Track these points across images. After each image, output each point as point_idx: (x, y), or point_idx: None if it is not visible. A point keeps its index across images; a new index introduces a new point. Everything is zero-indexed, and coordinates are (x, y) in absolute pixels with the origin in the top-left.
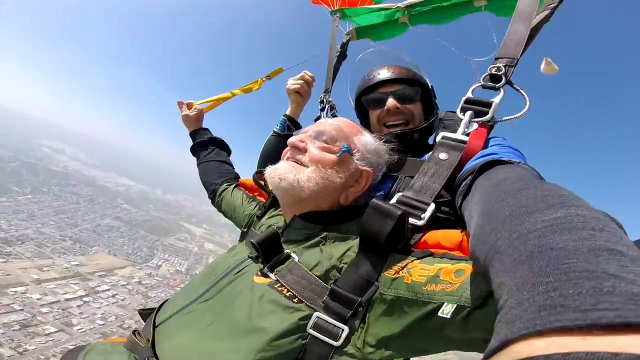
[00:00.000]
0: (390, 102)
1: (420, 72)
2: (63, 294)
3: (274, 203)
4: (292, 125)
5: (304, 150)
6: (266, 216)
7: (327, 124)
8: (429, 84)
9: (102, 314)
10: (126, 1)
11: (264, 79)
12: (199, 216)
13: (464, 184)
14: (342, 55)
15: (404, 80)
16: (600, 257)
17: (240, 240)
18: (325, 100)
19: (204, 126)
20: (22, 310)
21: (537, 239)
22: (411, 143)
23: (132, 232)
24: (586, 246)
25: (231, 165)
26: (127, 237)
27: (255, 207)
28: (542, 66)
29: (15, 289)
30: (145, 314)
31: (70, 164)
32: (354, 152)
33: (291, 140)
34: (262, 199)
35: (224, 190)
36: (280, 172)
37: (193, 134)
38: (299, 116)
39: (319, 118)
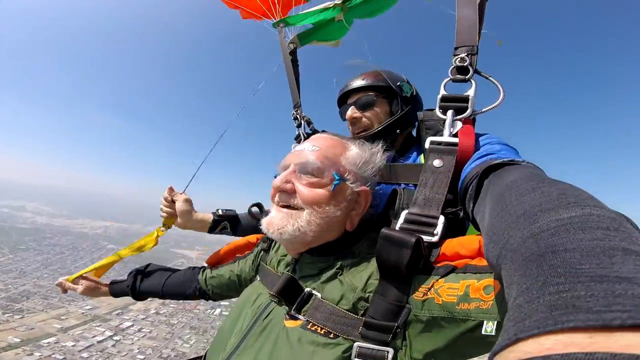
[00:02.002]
0: (348, 113)
1: (386, 73)
2: (93, 337)
3: None
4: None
5: (292, 192)
6: (273, 248)
7: (309, 153)
8: (394, 84)
9: (138, 348)
10: (71, 35)
11: (161, 229)
12: (187, 239)
13: (471, 187)
14: (295, 64)
15: (363, 88)
16: (615, 257)
17: (255, 274)
18: (298, 116)
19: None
20: (64, 358)
21: (551, 238)
22: (393, 143)
23: (128, 269)
24: (600, 246)
25: (172, 270)
26: (125, 274)
27: (247, 259)
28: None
29: (48, 340)
30: None
31: (37, 218)
32: (345, 176)
33: (276, 183)
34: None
35: (205, 282)
36: (278, 226)
37: (115, 293)
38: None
39: (298, 136)
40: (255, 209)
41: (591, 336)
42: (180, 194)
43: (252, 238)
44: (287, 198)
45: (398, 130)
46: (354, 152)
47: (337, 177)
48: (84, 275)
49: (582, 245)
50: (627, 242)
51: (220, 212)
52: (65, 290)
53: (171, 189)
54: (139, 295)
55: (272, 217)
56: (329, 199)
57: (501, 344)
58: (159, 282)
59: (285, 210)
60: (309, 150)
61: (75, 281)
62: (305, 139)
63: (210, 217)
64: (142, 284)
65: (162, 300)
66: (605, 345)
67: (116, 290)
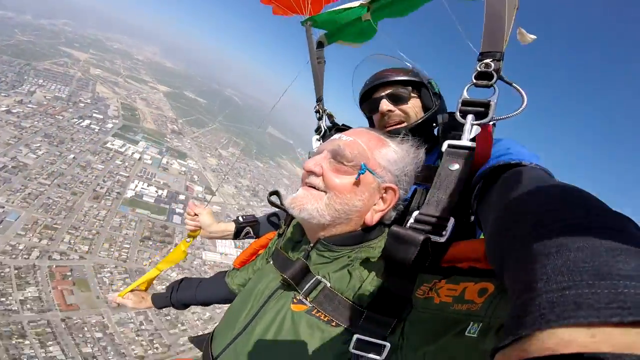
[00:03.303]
0: (382, 106)
1: (415, 69)
2: None
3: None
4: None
5: (320, 174)
6: (288, 234)
7: (342, 141)
8: (425, 80)
9: None
10: None
11: (187, 240)
12: (84, 40)
13: (477, 187)
14: (320, 61)
15: (395, 81)
16: (618, 257)
17: (268, 258)
18: (320, 109)
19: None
20: None
21: (555, 238)
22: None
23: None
24: (604, 246)
25: (202, 279)
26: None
27: (259, 258)
28: (518, 36)
29: None
30: (197, 340)
31: None
32: (374, 169)
33: (307, 164)
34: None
35: (233, 283)
36: (299, 203)
37: (157, 304)
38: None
39: (318, 128)
40: (274, 197)
41: (593, 333)
42: (203, 207)
43: (270, 235)
44: (314, 180)
45: (434, 124)
46: (390, 149)
47: (363, 167)
48: (133, 289)
49: (586, 244)
50: (630, 243)
51: (241, 219)
52: (118, 305)
53: (193, 204)
54: (178, 306)
55: (297, 194)
56: (351, 187)
57: (503, 341)
58: (192, 293)
59: (310, 190)
60: (344, 139)
61: (125, 295)
62: (326, 131)
63: (232, 226)
64: (177, 294)
65: (20, 98)
66: (607, 343)
67: (158, 302)
